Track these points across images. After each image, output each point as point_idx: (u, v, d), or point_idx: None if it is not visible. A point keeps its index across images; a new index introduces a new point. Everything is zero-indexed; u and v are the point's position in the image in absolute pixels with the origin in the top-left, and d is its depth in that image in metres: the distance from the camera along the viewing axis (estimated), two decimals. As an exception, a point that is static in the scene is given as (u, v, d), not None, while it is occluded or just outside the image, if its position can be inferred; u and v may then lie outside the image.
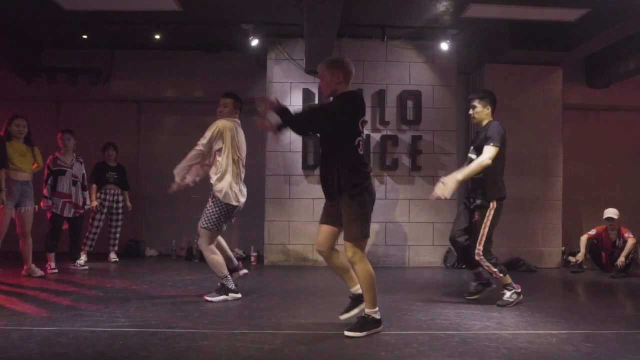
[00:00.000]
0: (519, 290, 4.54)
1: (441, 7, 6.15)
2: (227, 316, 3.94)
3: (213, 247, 4.50)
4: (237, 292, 4.53)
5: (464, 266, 6.92)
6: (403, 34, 7.19)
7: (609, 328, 3.80)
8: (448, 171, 7.24)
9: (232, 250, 7.94)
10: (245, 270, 4.95)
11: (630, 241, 6.51)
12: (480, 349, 3.14)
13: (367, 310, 3.43)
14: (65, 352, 2.95)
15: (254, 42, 6.84)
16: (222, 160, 4.41)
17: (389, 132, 7.23)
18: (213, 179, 4.44)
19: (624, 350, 3.16)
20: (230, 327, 3.58)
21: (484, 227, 4.46)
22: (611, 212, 6.72)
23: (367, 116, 7.24)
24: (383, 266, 6.98)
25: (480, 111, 4.62)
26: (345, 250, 3.41)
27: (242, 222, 7.80)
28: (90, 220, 6.83)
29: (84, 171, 6.51)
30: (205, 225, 4.43)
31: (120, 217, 7.10)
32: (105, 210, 6.94)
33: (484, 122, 4.61)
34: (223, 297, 4.47)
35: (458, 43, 7.14)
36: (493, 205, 4.46)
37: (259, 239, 7.39)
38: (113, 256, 7.09)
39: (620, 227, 6.75)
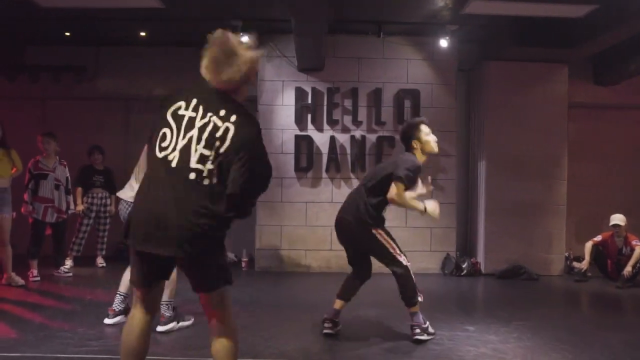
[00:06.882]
0: None
1: (440, 2, 5.81)
2: (203, 338, 3.70)
3: None
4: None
5: (462, 273, 6.72)
6: (400, 30, 6.85)
7: (614, 354, 3.53)
8: (447, 174, 7.04)
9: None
10: None
11: (638, 249, 6.17)
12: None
13: None
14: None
15: (244, 39, 6.51)
16: None
17: (386, 133, 6.92)
18: None
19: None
20: (202, 354, 3.34)
21: None
22: (617, 219, 6.39)
23: (363, 116, 6.96)
24: (377, 273, 6.71)
25: None
26: None
27: (234, 224, 7.61)
28: (77, 225, 6.62)
29: (68, 174, 6.27)
30: None
31: (107, 220, 6.84)
32: (92, 214, 6.70)
33: None
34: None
35: (458, 39, 6.77)
36: None
37: (251, 242, 7.13)
38: (100, 261, 6.86)
39: (628, 234, 6.43)
